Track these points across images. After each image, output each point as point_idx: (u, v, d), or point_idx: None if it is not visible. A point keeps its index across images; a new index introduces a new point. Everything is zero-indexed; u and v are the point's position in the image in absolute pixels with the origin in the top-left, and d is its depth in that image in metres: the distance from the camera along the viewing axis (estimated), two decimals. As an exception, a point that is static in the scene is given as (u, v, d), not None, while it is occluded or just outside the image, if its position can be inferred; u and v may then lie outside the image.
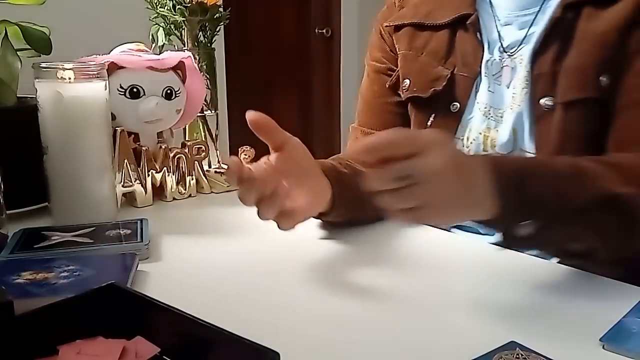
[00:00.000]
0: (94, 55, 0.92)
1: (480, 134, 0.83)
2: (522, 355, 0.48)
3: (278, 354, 0.41)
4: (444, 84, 0.86)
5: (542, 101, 0.78)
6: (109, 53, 0.95)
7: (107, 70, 0.83)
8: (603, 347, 0.51)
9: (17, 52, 0.87)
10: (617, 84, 0.73)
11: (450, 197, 0.56)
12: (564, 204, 0.60)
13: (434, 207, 0.56)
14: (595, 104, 0.74)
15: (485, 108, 0.83)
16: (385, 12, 0.97)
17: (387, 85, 0.93)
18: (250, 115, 0.64)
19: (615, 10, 0.74)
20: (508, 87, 0.82)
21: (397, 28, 0.92)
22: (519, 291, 0.62)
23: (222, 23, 1.11)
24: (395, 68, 0.93)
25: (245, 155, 1.02)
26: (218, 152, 1.13)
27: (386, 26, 0.94)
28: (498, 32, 0.83)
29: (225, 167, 1.01)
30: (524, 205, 0.59)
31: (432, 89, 0.86)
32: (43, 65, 0.80)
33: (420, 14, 0.90)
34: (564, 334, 0.54)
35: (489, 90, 0.83)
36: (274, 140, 0.67)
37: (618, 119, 0.73)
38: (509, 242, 0.61)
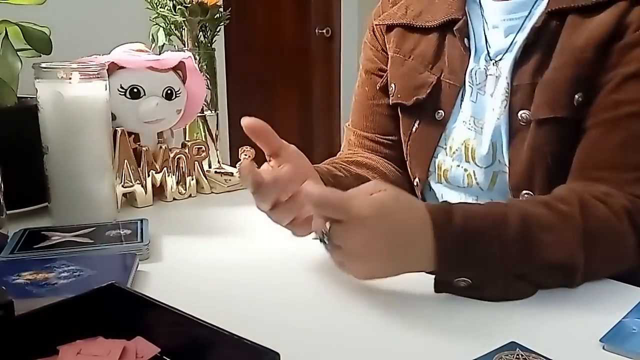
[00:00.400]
0: (94, 55, 0.92)
1: (462, 144, 0.81)
2: (522, 355, 0.48)
3: (278, 354, 0.41)
4: (429, 91, 0.83)
5: (519, 114, 0.75)
6: (109, 53, 0.95)
7: (107, 70, 0.83)
8: (603, 348, 0.51)
9: (18, 52, 0.87)
10: (591, 102, 0.70)
11: (378, 264, 0.58)
12: (508, 269, 0.58)
13: (358, 269, 0.59)
14: (567, 124, 0.71)
15: (467, 118, 0.81)
16: (379, 9, 0.95)
17: (377, 87, 0.92)
18: (246, 120, 0.65)
19: (598, 21, 0.70)
20: (491, 97, 0.79)
21: (389, 28, 0.90)
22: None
23: (222, 23, 1.11)
24: (386, 69, 0.91)
25: (246, 155, 1.02)
26: (218, 152, 1.13)
27: (377, 25, 0.93)
28: (485, 37, 0.80)
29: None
30: (465, 266, 0.58)
31: (415, 97, 0.84)
32: (43, 65, 0.80)
33: (410, 14, 0.88)
34: (564, 334, 0.54)
35: (471, 100, 0.81)
36: (271, 145, 0.67)
37: (583, 140, 0.70)
38: (442, 290, 0.60)
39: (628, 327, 0.53)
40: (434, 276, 0.60)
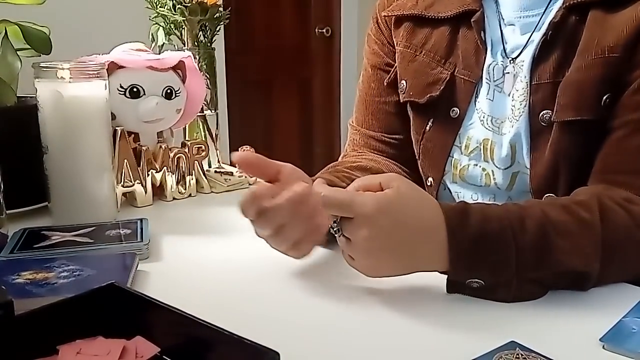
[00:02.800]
0: (94, 55, 0.92)
1: (480, 143, 0.79)
2: (522, 355, 0.48)
3: (278, 354, 0.41)
4: (442, 88, 0.80)
5: (540, 115, 0.72)
6: (108, 53, 0.95)
7: (107, 70, 0.83)
8: (603, 347, 0.51)
9: (17, 52, 0.87)
10: (617, 102, 0.67)
11: (384, 260, 0.58)
12: (522, 274, 0.57)
13: (365, 264, 0.59)
14: (594, 126, 0.68)
15: (484, 117, 0.79)
16: (384, 0, 0.91)
17: (385, 84, 0.89)
18: (236, 156, 0.65)
19: (624, 16, 0.66)
20: (509, 96, 0.76)
21: (397, 21, 0.87)
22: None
23: (222, 23, 1.11)
24: (393, 63, 0.88)
25: (247, 148, 1.02)
26: (218, 151, 1.13)
27: (385, 16, 0.89)
28: (501, 32, 0.78)
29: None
30: (479, 269, 0.57)
31: (429, 95, 0.81)
32: (43, 65, 0.80)
33: (421, 4, 0.84)
34: (564, 334, 0.54)
35: (487, 98, 0.78)
36: (267, 172, 0.66)
37: (607, 142, 0.68)
38: (454, 290, 0.59)
39: (628, 326, 0.53)
40: (445, 276, 0.59)
